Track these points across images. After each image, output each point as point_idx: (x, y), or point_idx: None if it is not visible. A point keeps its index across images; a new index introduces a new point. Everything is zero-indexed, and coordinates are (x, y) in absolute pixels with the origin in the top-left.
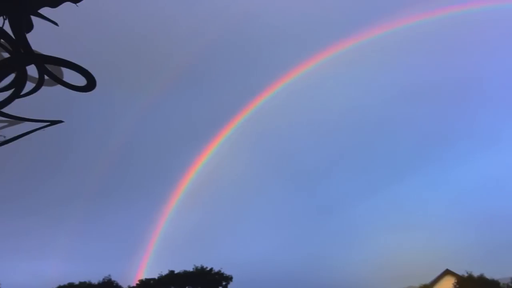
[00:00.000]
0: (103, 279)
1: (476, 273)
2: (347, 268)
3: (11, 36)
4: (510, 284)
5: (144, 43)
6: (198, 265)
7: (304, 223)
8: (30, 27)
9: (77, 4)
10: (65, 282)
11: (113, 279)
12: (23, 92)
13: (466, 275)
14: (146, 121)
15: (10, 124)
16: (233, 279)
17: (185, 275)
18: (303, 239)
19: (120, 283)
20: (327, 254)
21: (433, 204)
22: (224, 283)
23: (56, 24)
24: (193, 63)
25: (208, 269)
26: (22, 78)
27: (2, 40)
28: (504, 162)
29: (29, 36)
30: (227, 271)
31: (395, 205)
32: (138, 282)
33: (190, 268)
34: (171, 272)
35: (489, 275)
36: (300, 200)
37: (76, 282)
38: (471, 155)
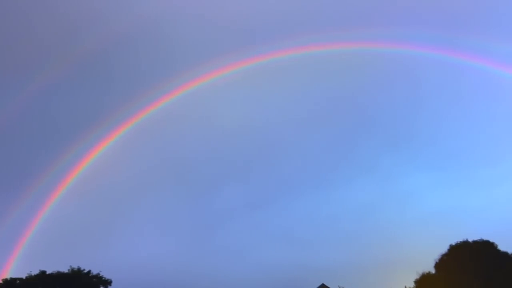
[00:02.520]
0: None
1: None
2: (227, 280)
3: None
4: None
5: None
6: (75, 266)
7: (192, 232)
8: None
9: None
10: None
11: None
12: None
13: None
14: (33, 107)
15: None
16: (113, 283)
17: (57, 276)
18: (189, 248)
19: None
20: (209, 264)
21: (315, 221)
22: (102, 287)
23: None
24: (92, 54)
25: (85, 271)
26: None
27: None
28: (379, 189)
29: None
30: (107, 275)
31: (280, 220)
32: (0, 282)
33: (65, 269)
34: (42, 272)
35: None
36: (188, 209)
37: None
38: (351, 180)
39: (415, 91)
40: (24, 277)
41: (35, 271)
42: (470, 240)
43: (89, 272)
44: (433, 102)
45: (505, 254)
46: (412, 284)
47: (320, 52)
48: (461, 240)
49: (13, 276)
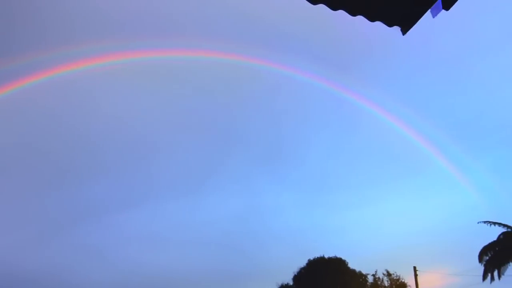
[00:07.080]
0: None
1: None
2: (82, 279)
3: None
4: None
5: None
6: None
7: (46, 226)
8: None
9: None
10: None
11: None
12: None
13: None
14: None
15: None
16: None
17: None
18: (41, 242)
19: None
20: (65, 260)
21: (184, 227)
22: None
23: None
24: None
25: None
26: None
27: None
28: (247, 202)
29: None
30: None
31: (148, 223)
32: None
33: None
34: None
35: None
36: (46, 200)
37: None
38: (222, 189)
39: (293, 113)
40: None
41: None
42: (326, 256)
43: None
44: (306, 127)
45: (353, 271)
46: None
47: (205, 58)
48: (318, 255)
49: None
